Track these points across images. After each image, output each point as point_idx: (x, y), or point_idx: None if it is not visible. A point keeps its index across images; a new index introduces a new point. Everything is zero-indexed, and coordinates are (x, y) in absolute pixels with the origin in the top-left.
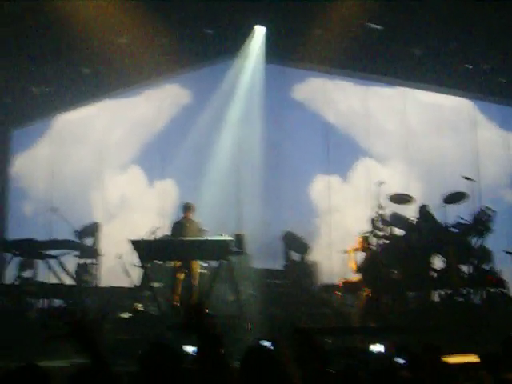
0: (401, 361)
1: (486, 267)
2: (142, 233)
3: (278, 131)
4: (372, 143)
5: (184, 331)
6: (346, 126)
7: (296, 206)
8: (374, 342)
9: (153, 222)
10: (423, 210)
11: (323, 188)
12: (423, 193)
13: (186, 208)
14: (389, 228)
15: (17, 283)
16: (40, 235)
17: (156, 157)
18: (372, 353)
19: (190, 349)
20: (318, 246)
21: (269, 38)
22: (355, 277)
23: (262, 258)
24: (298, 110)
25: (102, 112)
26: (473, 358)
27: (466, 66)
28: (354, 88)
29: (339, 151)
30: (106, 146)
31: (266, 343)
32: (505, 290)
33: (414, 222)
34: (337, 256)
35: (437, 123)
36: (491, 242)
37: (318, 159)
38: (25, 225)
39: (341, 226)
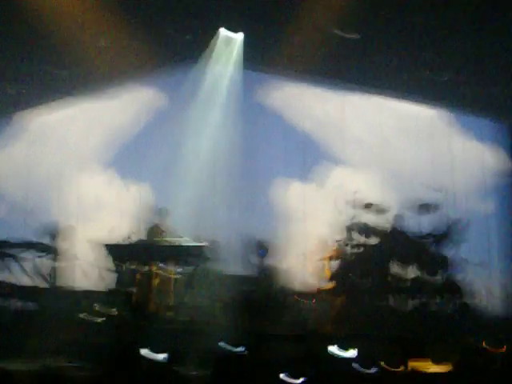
0: (372, 370)
1: (459, 277)
2: (117, 237)
3: (254, 137)
4: (348, 151)
5: None
6: (321, 134)
7: (270, 213)
8: (346, 349)
9: (127, 226)
10: (397, 220)
11: (298, 195)
12: (397, 202)
13: (161, 213)
14: (363, 237)
15: None
16: (13, 237)
17: (131, 160)
18: (343, 359)
19: (160, 356)
20: (292, 254)
21: (246, 44)
22: (329, 285)
23: (236, 264)
24: (274, 117)
25: (77, 114)
26: (444, 368)
27: (443, 76)
28: (331, 96)
29: (315, 158)
30: (82, 148)
31: (239, 349)
32: (476, 300)
33: (388, 231)
34: (310, 264)
35: (412, 133)
36: (464, 252)
37: (293, 166)
38: None
39: (315, 233)
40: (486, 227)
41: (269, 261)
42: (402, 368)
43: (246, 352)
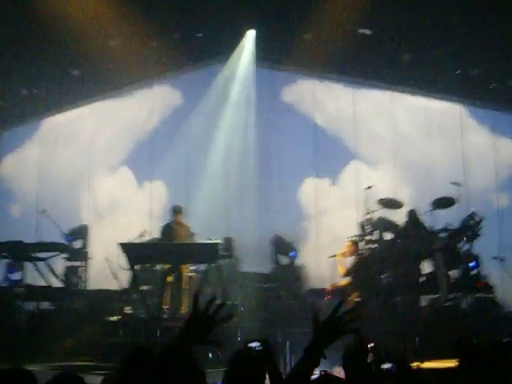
0: (387, 366)
1: (474, 272)
2: (131, 235)
3: (268, 134)
4: (361, 146)
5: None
6: (335, 129)
7: (285, 209)
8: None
9: (142, 225)
10: (412, 215)
11: (312, 191)
12: (412, 197)
13: (176, 211)
14: (377, 232)
15: (5, 285)
16: (28, 237)
17: (146, 159)
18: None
19: None
20: (307, 250)
21: (259, 42)
22: (344, 281)
23: (251, 261)
24: (288, 113)
25: (91, 114)
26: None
27: (456, 71)
28: (344, 91)
29: (328, 154)
30: (96, 147)
31: (255, 344)
32: (492, 295)
33: (403, 227)
34: (325, 260)
35: (426, 127)
36: (479, 247)
37: (307, 162)
38: (13, 227)
39: (329, 229)
40: (501, 221)
41: (297, 260)
42: (418, 364)
43: (262, 348)
